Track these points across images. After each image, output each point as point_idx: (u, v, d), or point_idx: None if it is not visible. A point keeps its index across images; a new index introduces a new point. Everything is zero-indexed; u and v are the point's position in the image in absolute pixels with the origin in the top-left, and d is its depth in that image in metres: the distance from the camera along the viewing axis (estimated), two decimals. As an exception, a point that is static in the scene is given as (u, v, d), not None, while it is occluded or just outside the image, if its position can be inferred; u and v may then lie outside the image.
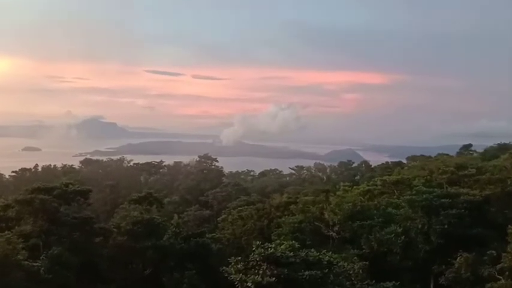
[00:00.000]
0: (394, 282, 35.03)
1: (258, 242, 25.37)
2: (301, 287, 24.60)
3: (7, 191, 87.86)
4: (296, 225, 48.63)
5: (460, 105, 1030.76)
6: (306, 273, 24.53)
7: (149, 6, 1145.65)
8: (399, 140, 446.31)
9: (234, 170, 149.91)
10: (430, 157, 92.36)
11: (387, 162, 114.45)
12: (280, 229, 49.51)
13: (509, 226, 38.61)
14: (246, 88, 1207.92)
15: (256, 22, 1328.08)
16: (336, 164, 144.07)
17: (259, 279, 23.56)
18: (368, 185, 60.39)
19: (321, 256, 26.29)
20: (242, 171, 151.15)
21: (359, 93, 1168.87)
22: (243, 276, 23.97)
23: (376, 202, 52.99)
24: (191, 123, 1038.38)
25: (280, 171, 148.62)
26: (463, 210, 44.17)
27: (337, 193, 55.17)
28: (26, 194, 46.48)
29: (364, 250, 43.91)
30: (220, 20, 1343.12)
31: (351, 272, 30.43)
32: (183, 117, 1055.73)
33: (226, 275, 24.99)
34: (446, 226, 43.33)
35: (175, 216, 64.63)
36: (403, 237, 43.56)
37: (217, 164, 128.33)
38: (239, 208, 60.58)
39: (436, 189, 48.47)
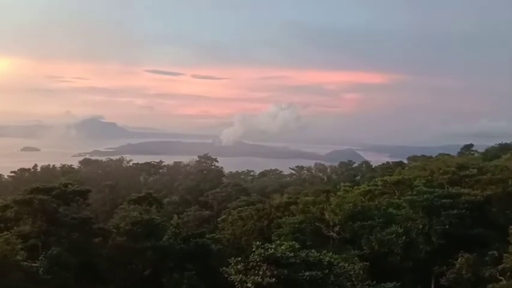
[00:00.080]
0: (394, 283, 35.07)
1: (258, 243, 25.22)
2: (302, 288, 24.41)
3: (6, 191, 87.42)
4: (296, 225, 48.49)
5: (461, 105, 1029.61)
6: (307, 273, 24.38)
7: (149, 5, 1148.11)
8: (400, 140, 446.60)
9: (234, 170, 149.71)
10: (431, 157, 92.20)
11: (388, 163, 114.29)
12: (281, 229, 49.40)
13: (511, 226, 38.53)
14: (246, 88, 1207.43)
15: (256, 22, 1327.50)
16: (336, 164, 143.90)
17: (259, 280, 23.42)
18: (369, 185, 60.16)
19: (321, 257, 26.14)
20: (242, 172, 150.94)
21: (359, 93, 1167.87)
22: (243, 276, 23.83)
23: (376, 202, 52.82)
24: (191, 123, 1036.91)
25: (281, 172, 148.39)
26: (464, 211, 44.02)
27: (338, 193, 55.02)
28: (24, 194, 46.35)
29: (364, 251, 43.79)
30: (220, 20, 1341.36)
31: (351, 273, 30.18)
32: (183, 117, 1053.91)
33: (226, 276, 24.84)
34: (447, 226, 43.17)
35: (175, 216, 64.77)
36: (403, 238, 43.42)
37: (217, 164, 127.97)
38: (239, 208, 60.41)
39: (437, 190, 48.32)
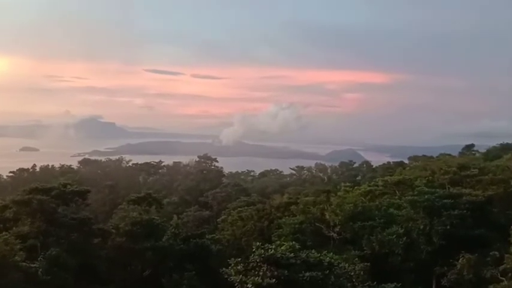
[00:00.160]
0: (395, 283, 34.86)
1: (258, 243, 25.05)
2: (302, 289, 24.29)
3: (5, 191, 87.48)
4: (297, 226, 48.39)
5: (462, 105, 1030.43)
6: (307, 274, 24.22)
7: (149, 5, 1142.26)
8: (401, 140, 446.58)
9: (234, 170, 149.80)
10: (432, 157, 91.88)
11: (389, 163, 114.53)
12: (281, 230, 49.31)
13: (512, 227, 38.33)
14: (246, 87, 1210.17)
15: (256, 21, 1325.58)
16: (336, 164, 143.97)
17: (260, 280, 23.24)
18: (369, 186, 60.11)
19: (321, 257, 25.97)
20: (242, 172, 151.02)
21: (360, 93, 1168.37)
22: (243, 277, 23.68)
23: (377, 203, 52.60)
24: (190, 123, 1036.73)
25: (281, 172, 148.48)
26: (465, 211, 43.89)
27: (338, 194, 54.87)
28: (23, 195, 46.05)
29: (365, 251, 43.64)
30: (220, 19, 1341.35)
31: (352, 273, 29.96)
32: (183, 116, 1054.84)
33: (226, 276, 24.70)
34: (448, 227, 43.03)
35: (175, 217, 64.61)
36: (404, 238, 43.26)
37: (217, 164, 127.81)
38: (239, 209, 60.27)
39: (438, 190, 48.21)
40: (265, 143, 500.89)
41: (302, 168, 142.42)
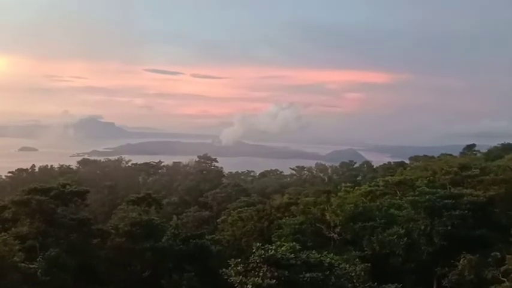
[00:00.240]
0: (396, 284, 34.53)
1: (258, 244, 24.97)
2: (302, 290, 24.16)
3: (3, 191, 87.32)
4: (297, 226, 48.28)
5: (463, 104, 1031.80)
6: (307, 275, 24.15)
7: (148, 4, 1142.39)
8: (401, 140, 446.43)
9: (233, 171, 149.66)
10: (433, 157, 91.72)
11: (389, 163, 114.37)
12: (281, 230, 49.19)
13: (514, 227, 38.21)
14: (246, 87, 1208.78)
15: (256, 20, 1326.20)
16: (337, 164, 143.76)
17: (260, 281, 23.15)
18: (370, 186, 59.97)
19: (322, 258, 25.88)
20: (242, 172, 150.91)
21: (361, 93, 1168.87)
22: (243, 278, 23.58)
23: (378, 203, 52.43)
24: (190, 123, 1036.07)
25: (281, 172, 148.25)
26: (466, 212, 43.68)
27: (339, 194, 54.61)
28: (22, 195, 45.84)
29: (366, 252, 43.44)
30: (220, 19, 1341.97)
31: (352, 274, 30.00)
32: (182, 116, 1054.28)
33: (226, 277, 24.56)
34: (449, 227, 42.82)
35: (174, 217, 64.67)
36: (405, 239, 43.06)
37: (216, 164, 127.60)
38: (239, 209, 60.10)
39: (439, 190, 47.89)
40: (265, 143, 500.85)
41: (302, 168, 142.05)
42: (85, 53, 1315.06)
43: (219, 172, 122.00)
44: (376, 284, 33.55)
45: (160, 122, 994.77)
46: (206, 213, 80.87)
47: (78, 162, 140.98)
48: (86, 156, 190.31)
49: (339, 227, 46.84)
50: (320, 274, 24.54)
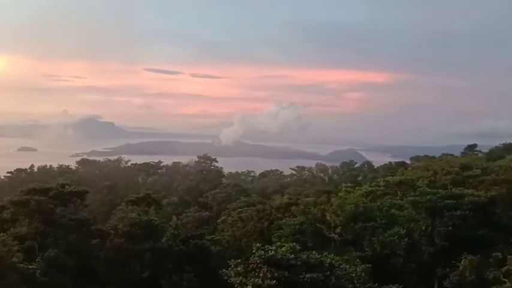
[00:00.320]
0: (397, 285, 34.04)
1: (258, 244, 24.85)
2: (302, 291, 24.04)
3: (2, 192, 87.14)
4: (297, 227, 48.11)
5: (464, 104, 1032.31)
6: (307, 276, 24.04)
7: (148, 4, 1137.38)
8: (402, 140, 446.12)
9: (233, 171, 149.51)
10: (434, 157, 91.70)
11: (390, 163, 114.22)
12: (281, 231, 49.01)
13: (515, 228, 38.06)
14: (246, 87, 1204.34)
15: (256, 20, 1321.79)
16: (337, 164, 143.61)
17: (260, 282, 23.00)
18: (371, 186, 59.80)
19: (322, 258, 25.76)
20: (242, 172, 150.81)
21: (361, 92, 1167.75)
22: (243, 279, 23.43)
23: (379, 203, 52.26)
24: (190, 123, 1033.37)
25: (281, 172, 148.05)
26: (467, 212, 43.48)
27: (339, 194, 54.39)
28: (21, 195, 45.72)
29: (366, 252, 43.26)
30: (220, 18, 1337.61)
31: (353, 275, 29.79)
32: (182, 116, 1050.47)
33: (225, 278, 24.37)
34: (450, 228, 42.63)
35: (174, 217, 64.51)
36: (406, 239, 42.89)
37: (216, 164, 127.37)
38: (239, 209, 59.92)
39: (440, 190, 47.75)
40: (266, 143, 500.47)
41: (303, 168, 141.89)
42: (84, 52, 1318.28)
43: (219, 172, 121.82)
44: (376, 284, 33.07)
45: (160, 121, 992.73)
46: (206, 214, 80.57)
47: (77, 162, 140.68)
48: (85, 156, 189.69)
49: (340, 228, 46.67)
50: (320, 275, 24.43)
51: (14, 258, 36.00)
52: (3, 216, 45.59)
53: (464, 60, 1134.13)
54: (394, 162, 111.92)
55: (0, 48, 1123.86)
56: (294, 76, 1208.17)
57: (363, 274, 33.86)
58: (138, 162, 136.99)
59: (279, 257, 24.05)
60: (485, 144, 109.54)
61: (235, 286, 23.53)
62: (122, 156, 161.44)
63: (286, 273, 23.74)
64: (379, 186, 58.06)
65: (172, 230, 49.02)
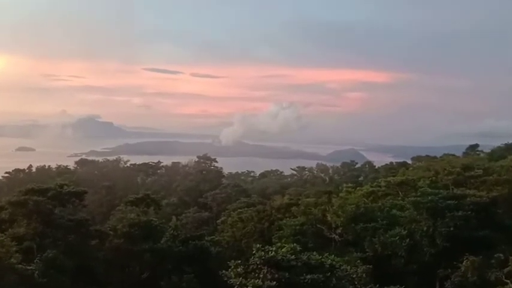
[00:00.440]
0: (398, 286, 34.25)
1: (258, 245, 24.85)
2: (303, 292, 23.90)
3: (0, 192, 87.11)
4: (297, 227, 47.97)
5: (466, 104, 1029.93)
6: (308, 277, 24.02)
7: (148, 3, 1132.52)
8: (403, 140, 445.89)
9: (233, 171, 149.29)
10: (435, 157, 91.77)
11: (391, 163, 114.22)
12: (281, 232, 48.87)
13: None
14: (246, 87, 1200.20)
15: (256, 19, 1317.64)
16: (338, 164, 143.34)
17: (260, 283, 22.96)
18: (372, 186, 59.71)
19: (323, 259, 25.72)
20: (242, 172, 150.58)
21: (362, 92, 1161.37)
22: (243, 280, 23.36)
23: (380, 204, 52.21)
24: (189, 123, 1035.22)
25: (281, 172, 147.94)
26: (469, 212, 43.28)
27: (340, 194, 54.28)
28: (19, 196, 45.51)
29: (367, 253, 43.09)
30: (220, 17, 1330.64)
31: (354, 276, 29.71)
32: (181, 116, 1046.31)
33: (225, 279, 24.28)
34: (452, 228, 42.43)
35: (174, 218, 64.43)
36: (407, 240, 42.69)
37: (216, 164, 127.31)
38: (239, 210, 59.83)
39: (441, 191, 47.74)
40: (266, 143, 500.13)
41: (303, 168, 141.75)
42: (83, 52, 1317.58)
43: (219, 172, 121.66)
44: (377, 285, 33.05)
45: (159, 121, 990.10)
46: (206, 214, 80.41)
47: (76, 163, 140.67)
48: (83, 157, 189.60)
49: (340, 228, 46.50)
50: (321, 276, 24.40)
51: (12, 259, 35.79)
52: (1, 217, 45.39)
53: (466, 60, 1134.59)
54: (395, 162, 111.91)
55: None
56: (294, 76, 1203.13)
57: (364, 275, 33.89)
58: (137, 163, 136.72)
59: (280, 258, 23.99)
60: (487, 144, 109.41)
61: (235, 287, 23.40)
62: (121, 156, 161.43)
63: (287, 274, 23.70)
64: (380, 186, 57.99)
65: (172, 231, 48.80)
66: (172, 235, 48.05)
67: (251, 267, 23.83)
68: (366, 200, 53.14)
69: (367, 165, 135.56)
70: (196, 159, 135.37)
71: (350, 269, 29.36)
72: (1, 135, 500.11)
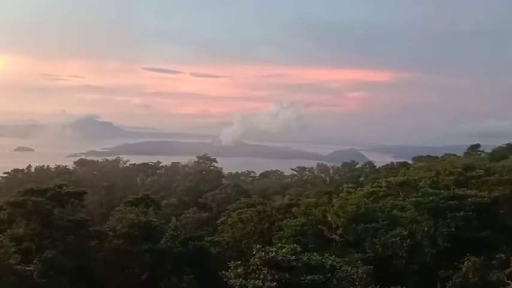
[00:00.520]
0: (399, 287, 34.44)
1: (258, 246, 24.76)
2: (303, 292, 23.83)
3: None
4: (298, 228, 47.82)
5: (468, 104, 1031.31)
6: (308, 277, 23.93)
7: (147, 3, 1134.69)
8: (404, 139, 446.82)
9: (233, 171, 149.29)
10: (436, 157, 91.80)
11: (392, 163, 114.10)
12: (282, 232, 48.71)
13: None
14: (246, 86, 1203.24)
15: (256, 19, 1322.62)
16: (339, 164, 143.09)
17: (260, 284, 22.87)
18: (372, 187, 59.58)
19: (323, 260, 25.63)
20: (242, 172, 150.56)
21: (363, 92, 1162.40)
22: (243, 280, 23.25)
23: (380, 204, 52.09)
24: (189, 123, 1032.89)
25: (282, 172, 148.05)
26: (470, 213, 43.19)
27: (341, 195, 54.05)
28: (18, 196, 45.50)
29: (368, 254, 42.95)
30: (220, 17, 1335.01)
31: (354, 277, 29.71)
32: (181, 116, 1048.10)
33: (225, 280, 24.17)
34: (453, 229, 42.32)
35: (173, 218, 64.34)
36: (408, 241, 42.53)
37: (216, 164, 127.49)
38: (239, 210, 59.65)
39: (442, 191, 47.73)
40: (266, 143, 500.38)
41: (303, 168, 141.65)
42: (83, 51, 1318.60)
43: (219, 173, 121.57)
44: (378, 286, 33.19)
45: (159, 121, 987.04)
46: (205, 215, 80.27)
47: (75, 163, 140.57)
48: (83, 157, 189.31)
49: (341, 229, 46.36)
50: (321, 276, 24.33)
51: (11, 260, 35.76)
52: (0, 218, 45.25)
53: (467, 60, 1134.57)
54: (396, 162, 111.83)
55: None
56: (295, 75, 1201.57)
57: (365, 276, 33.91)
58: (137, 163, 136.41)
59: (280, 258, 23.90)
60: (489, 144, 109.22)
61: (235, 288, 23.25)
62: (120, 156, 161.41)
63: (287, 275, 23.62)
64: (381, 186, 57.96)
65: (172, 231, 48.66)
66: (172, 236, 47.90)
67: (251, 268, 23.74)
68: (366, 201, 53.01)
69: (367, 166, 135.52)
70: (196, 160, 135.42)
71: (351, 270, 29.16)
72: (0, 135, 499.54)
